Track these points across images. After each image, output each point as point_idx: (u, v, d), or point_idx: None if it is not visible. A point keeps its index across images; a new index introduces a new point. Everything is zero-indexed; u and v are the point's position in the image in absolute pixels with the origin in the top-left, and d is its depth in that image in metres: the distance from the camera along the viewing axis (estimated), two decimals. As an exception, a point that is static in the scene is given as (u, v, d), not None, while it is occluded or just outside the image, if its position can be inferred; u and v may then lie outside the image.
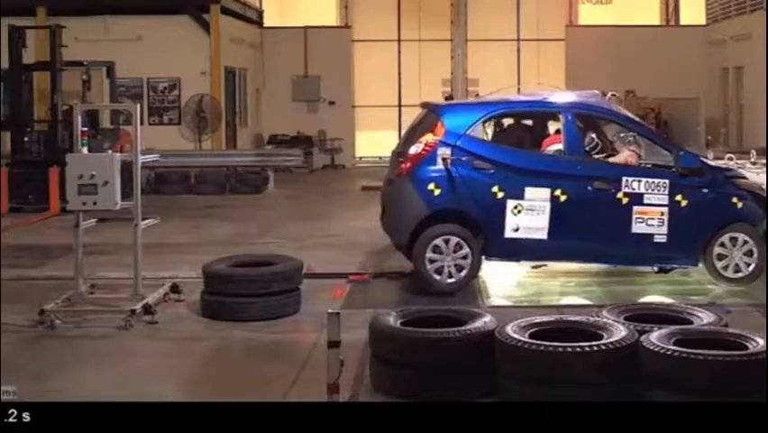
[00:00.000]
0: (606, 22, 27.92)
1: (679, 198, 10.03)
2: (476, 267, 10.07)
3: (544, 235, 9.93)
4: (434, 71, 26.76)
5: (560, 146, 10.47)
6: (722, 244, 10.13)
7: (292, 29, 27.22)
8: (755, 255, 10.17)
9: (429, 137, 10.14)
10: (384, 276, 10.98)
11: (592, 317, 7.11)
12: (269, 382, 7.35)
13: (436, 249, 9.91)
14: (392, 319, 7.14)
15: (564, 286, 10.79)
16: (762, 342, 6.29)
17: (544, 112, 11.36)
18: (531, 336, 6.60)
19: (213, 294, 9.30)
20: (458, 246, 9.91)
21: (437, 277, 9.96)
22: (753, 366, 6.02)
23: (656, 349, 6.22)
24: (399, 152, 10.77)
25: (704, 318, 7.35)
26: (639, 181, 10.00)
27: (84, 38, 20.20)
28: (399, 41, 28.06)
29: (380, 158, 22.06)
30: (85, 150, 9.38)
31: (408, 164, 10.14)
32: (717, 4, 26.21)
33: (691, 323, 7.19)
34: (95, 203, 9.16)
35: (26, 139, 17.64)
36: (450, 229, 9.97)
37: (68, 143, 14.72)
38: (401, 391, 6.61)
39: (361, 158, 27.66)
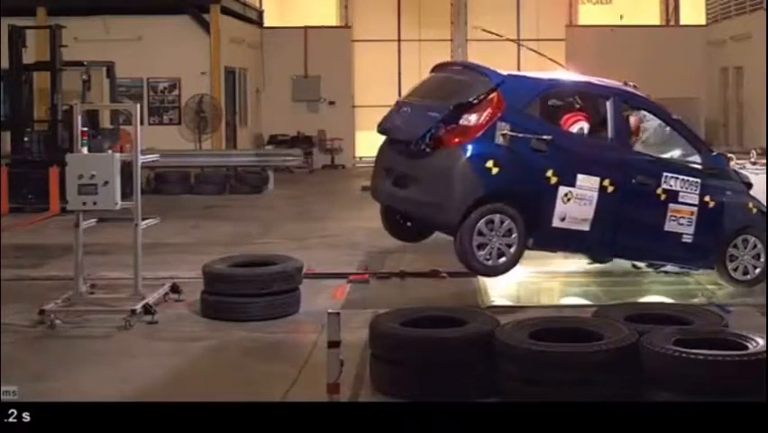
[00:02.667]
0: (606, 22, 27.90)
1: (707, 198, 9.88)
2: (519, 255, 9.31)
3: (587, 227, 9.42)
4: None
5: (584, 124, 9.92)
6: (735, 246, 10.10)
7: (292, 29, 27.21)
8: (762, 259, 10.18)
9: (487, 109, 9.15)
10: (384, 276, 10.98)
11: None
12: (269, 382, 7.35)
13: (489, 223, 9.04)
14: (392, 320, 7.17)
15: (564, 286, 10.79)
16: (762, 342, 6.31)
17: (594, 93, 10.26)
18: (531, 336, 6.61)
19: (213, 294, 9.30)
20: (508, 231, 9.10)
21: (482, 256, 9.11)
22: (753, 366, 6.03)
23: (656, 349, 6.23)
24: (407, 105, 9.80)
25: (704, 318, 7.38)
26: (676, 179, 9.76)
27: (84, 38, 20.17)
28: (399, 41, 28.03)
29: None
30: (85, 150, 9.39)
31: (461, 137, 9.13)
32: (717, 4, 26.21)
33: (691, 323, 7.21)
34: (95, 203, 9.17)
35: (26, 139, 17.62)
36: (504, 209, 9.10)
37: (68, 143, 14.70)
38: (401, 391, 6.62)
39: (361, 158, 27.61)
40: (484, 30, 14.96)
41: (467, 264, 9.27)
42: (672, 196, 9.73)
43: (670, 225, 9.77)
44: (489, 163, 9.03)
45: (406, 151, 9.49)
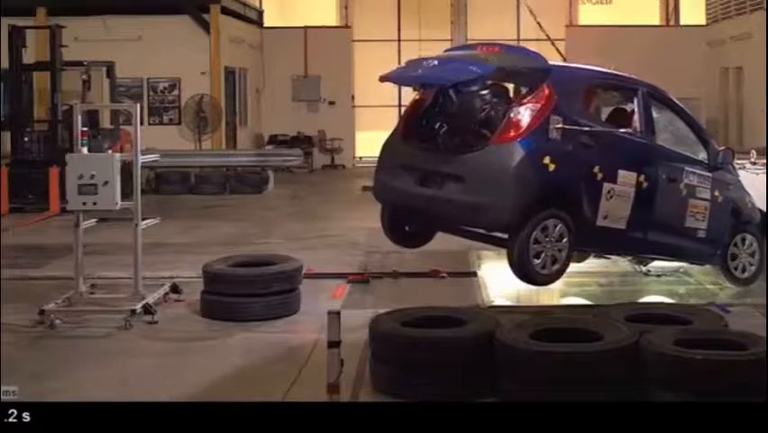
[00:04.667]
0: (606, 22, 27.91)
1: (716, 193, 9.79)
2: (570, 259, 8.82)
3: (623, 225, 8.98)
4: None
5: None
6: (735, 244, 10.09)
7: (292, 29, 27.24)
8: (757, 257, 10.22)
9: (540, 101, 8.54)
10: (378, 277, 10.98)
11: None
12: (268, 382, 7.35)
13: (544, 230, 8.49)
14: (392, 320, 7.17)
15: (564, 286, 10.77)
16: (762, 342, 6.31)
17: (624, 86, 9.74)
18: (531, 337, 6.62)
19: (213, 294, 9.31)
20: (560, 236, 8.57)
21: (538, 265, 8.56)
22: (753, 366, 6.03)
23: (656, 349, 6.23)
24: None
25: (704, 318, 7.39)
26: (694, 174, 9.59)
27: (84, 38, 20.20)
28: (399, 41, 28.05)
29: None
30: (85, 150, 9.39)
31: (515, 131, 8.45)
32: (717, 3, 26.21)
33: (691, 323, 7.22)
34: (95, 203, 9.18)
35: (26, 139, 17.64)
36: (557, 213, 8.56)
37: (68, 143, 14.71)
38: (401, 391, 6.62)
39: (361, 158, 27.66)
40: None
41: (525, 276, 8.72)
42: (691, 191, 9.59)
43: (689, 221, 9.62)
44: (546, 159, 8.42)
45: (440, 146, 8.85)
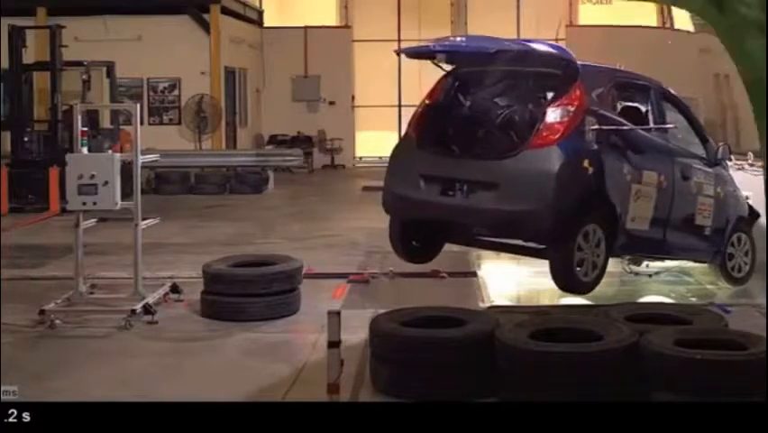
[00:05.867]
0: (606, 22, 27.90)
1: (719, 190, 9.74)
2: (606, 264, 8.60)
3: (647, 226, 8.80)
4: (435, 70, 26.70)
5: None
6: (732, 244, 10.08)
7: (292, 29, 27.24)
8: (750, 255, 10.25)
9: (575, 102, 8.28)
10: (383, 276, 10.99)
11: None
12: (269, 382, 7.35)
13: (585, 236, 8.23)
14: (392, 320, 7.17)
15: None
16: (762, 342, 6.31)
17: (639, 85, 9.55)
18: (531, 337, 6.62)
19: (213, 294, 9.31)
20: (598, 241, 8.34)
21: (580, 273, 8.35)
22: (752, 366, 6.03)
23: (656, 349, 6.23)
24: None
25: (704, 318, 7.39)
26: (701, 171, 9.54)
27: (84, 38, 20.21)
28: (399, 41, 28.00)
29: (380, 158, 22.05)
30: (85, 150, 9.40)
31: (552, 134, 8.11)
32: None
33: (691, 323, 7.22)
34: (95, 203, 9.19)
35: (26, 139, 17.66)
36: (596, 218, 8.33)
37: (68, 143, 14.72)
38: (401, 391, 6.62)
39: (361, 158, 27.68)
40: None
41: (568, 286, 8.55)
42: (700, 188, 9.53)
43: (698, 219, 9.55)
44: (585, 163, 8.19)
45: (462, 152, 8.50)
